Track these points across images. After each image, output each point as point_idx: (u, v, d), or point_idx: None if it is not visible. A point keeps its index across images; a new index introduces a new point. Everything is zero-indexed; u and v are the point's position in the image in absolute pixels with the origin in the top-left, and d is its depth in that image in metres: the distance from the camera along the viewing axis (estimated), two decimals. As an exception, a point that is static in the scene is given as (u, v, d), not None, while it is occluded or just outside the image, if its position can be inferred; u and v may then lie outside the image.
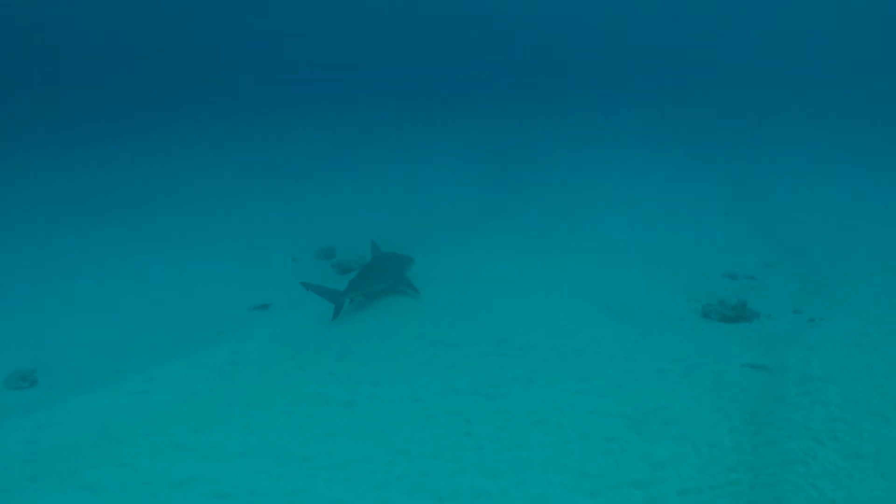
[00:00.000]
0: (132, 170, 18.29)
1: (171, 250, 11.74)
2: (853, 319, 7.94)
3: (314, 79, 35.27)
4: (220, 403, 6.50)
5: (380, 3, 50.11)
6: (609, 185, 15.96)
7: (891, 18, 38.62)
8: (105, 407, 6.48)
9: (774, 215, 13.24)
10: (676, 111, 26.85)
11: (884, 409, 5.83)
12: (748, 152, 19.69)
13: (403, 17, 49.32)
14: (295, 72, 37.09)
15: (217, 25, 46.97)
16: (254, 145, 21.42)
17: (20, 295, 9.96)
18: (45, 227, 13.22)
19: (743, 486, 4.93)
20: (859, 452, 5.16)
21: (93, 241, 12.32)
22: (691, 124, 24.49)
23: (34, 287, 10.24)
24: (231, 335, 8.03)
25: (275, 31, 46.42)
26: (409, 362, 7.18)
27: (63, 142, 22.32)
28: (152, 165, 18.78)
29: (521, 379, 6.73)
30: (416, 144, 21.54)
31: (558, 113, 26.85)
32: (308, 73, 37.24)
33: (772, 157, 19.11)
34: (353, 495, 5.01)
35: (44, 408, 6.52)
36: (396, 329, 8.03)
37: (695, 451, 5.38)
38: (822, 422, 5.61)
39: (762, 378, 6.60)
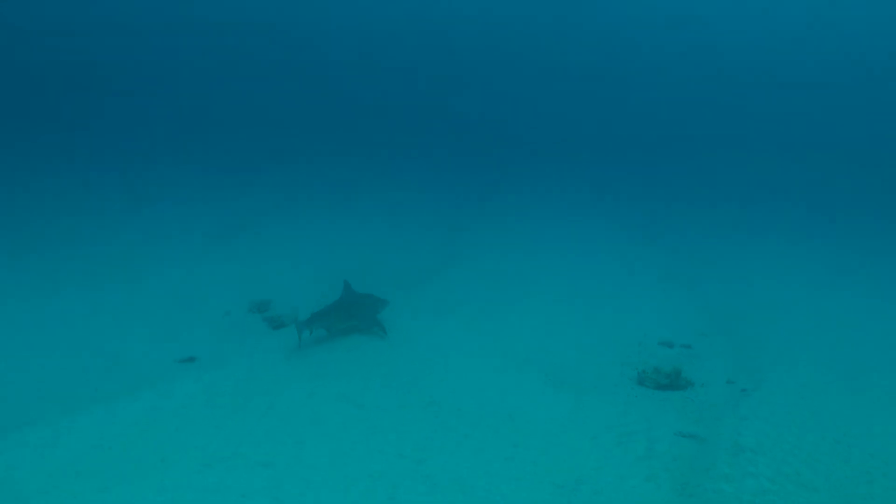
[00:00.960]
0: (61, 205, 17.66)
1: (93, 293, 11.18)
2: (785, 392, 7.98)
3: (262, 131, 34.87)
4: (131, 460, 6.11)
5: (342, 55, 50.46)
6: (549, 248, 16.02)
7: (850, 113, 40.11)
8: (5, 461, 6.04)
9: (712, 285, 13.39)
10: (620, 177, 27.48)
11: (814, 481, 5.81)
12: (688, 221, 20.14)
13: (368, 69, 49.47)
14: (244, 119, 36.57)
15: (162, 62, 46.04)
16: (194, 193, 20.99)
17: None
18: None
19: (671, 561, 4.80)
20: (789, 527, 5.09)
21: (3, 279, 11.74)
22: (634, 190, 25.05)
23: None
24: (151, 388, 7.61)
25: (222, 70, 45.74)
26: (334, 423, 6.90)
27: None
28: (83, 202, 18.17)
29: (450, 444, 6.52)
30: (361, 197, 21.41)
31: (507, 173, 27.24)
32: (256, 125, 36.85)
33: (712, 225, 19.57)
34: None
35: (-63, 460, 6.05)
36: (323, 388, 7.75)
37: (624, 523, 5.24)
38: (752, 494, 5.53)
39: (694, 447, 6.53)
